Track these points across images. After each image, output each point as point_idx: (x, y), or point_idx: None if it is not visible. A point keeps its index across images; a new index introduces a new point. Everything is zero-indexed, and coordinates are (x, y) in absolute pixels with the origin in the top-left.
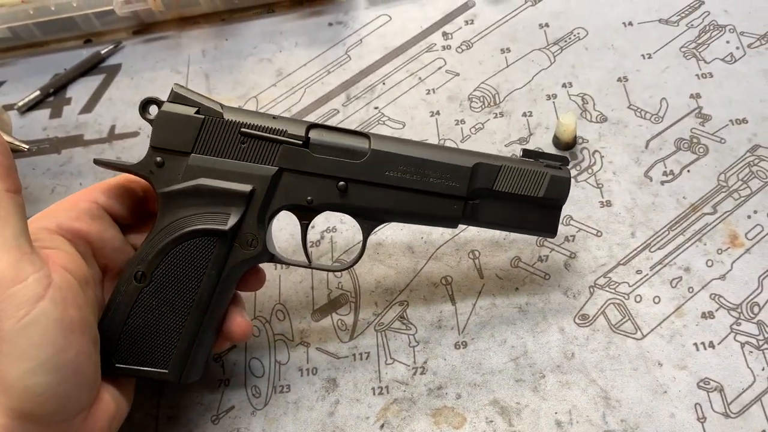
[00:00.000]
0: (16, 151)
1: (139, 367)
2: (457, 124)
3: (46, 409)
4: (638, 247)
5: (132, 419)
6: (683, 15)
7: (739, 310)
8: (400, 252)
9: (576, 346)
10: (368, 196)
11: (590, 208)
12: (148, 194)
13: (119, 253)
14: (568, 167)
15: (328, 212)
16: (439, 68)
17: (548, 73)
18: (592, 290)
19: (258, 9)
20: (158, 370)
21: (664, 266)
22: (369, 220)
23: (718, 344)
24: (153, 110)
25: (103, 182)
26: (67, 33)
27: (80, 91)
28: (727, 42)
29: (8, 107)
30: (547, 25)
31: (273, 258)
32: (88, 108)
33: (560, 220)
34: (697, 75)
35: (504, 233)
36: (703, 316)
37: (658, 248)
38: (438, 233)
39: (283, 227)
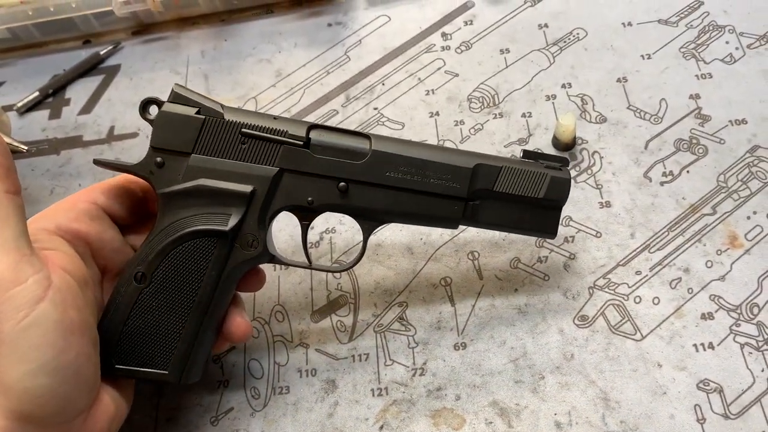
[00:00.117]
0: (15, 152)
1: (138, 368)
2: (456, 124)
3: (45, 411)
4: (638, 248)
5: (131, 420)
6: (683, 15)
7: (738, 311)
8: (399, 253)
9: (575, 347)
10: (369, 196)
11: (590, 209)
12: (147, 195)
13: (118, 254)
14: (568, 168)
15: (327, 213)
16: (439, 69)
17: (547, 73)
18: (591, 291)
19: (257, 10)
20: (158, 371)
21: (664, 267)
22: (369, 221)
23: (718, 345)
24: (153, 110)
25: (102, 183)
26: (66, 34)
27: (79, 92)
28: (727, 42)
29: (7, 108)
30: (546, 25)
31: (273, 258)
32: (87, 109)
33: (560, 221)
34: (696, 75)
35: (503, 234)
36: (703, 317)
37: (658, 249)
38: (437, 234)
39: (283, 228)
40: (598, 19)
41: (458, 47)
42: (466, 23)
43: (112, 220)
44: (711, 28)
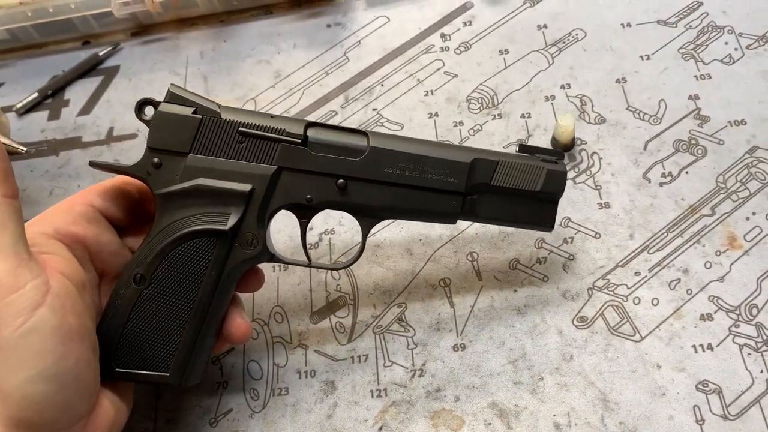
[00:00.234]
0: (14, 153)
1: (139, 371)
2: (455, 125)
3: (45, 418)
4: (637, 249)
5: (130, 422)
6: (682, 16)
7: (737, 312)
8: (398, 254)
9: (574, 348)
10: (367, 193)
11: (589, 210)
12: (144, 196)
13: (116, 257)
14: (564, 161)
15: (326, 214)
16: (438, 70)
17: (547, 74)
18: (590, 292)
19: (256, 10)
20: (159, 373)
21: (663, 268)
22: (368, 218)
23: (717, 346)
24: (149, 111)
25: (98, 184)
26: (65, 35)
27: (78, 93)
28: (726, 43)
29: (6, 109)
30: (545, 26)
31: (273, 257)
32: (86, 110)
33: (558, 219)
34: (695, 76)
35: (502, 235)
36: (702, 318)
37: (657, 250)
38: (436, 235)
39: (282, 229)
40: (597, 19)
41: (457, 48)
42: (465, 24)
43: (109, 222)
44: (710, 28)
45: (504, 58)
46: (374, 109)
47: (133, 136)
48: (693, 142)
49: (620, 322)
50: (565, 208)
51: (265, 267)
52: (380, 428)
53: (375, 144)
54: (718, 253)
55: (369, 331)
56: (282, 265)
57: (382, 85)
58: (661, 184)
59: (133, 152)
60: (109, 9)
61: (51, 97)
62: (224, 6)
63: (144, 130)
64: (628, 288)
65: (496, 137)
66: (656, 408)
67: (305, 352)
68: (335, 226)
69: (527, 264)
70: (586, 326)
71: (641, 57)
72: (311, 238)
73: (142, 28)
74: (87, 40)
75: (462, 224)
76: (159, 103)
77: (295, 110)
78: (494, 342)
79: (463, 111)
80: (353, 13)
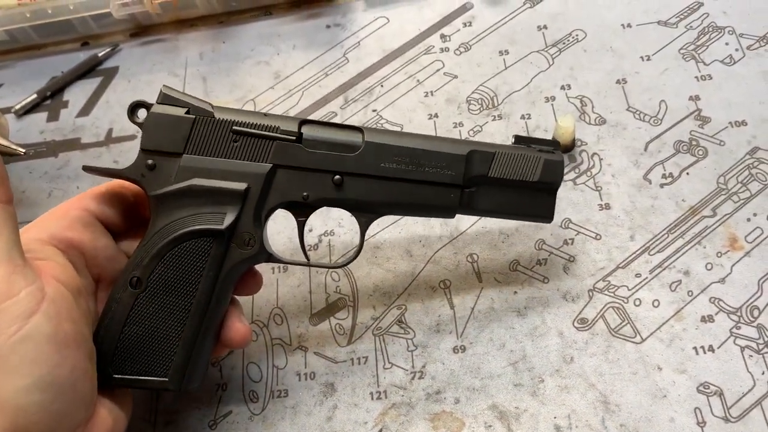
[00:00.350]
0: (12, 155)
1: (137, 377)
2: (455, 126)
3: (40, 428)
4: (637, 251)
5: (129, 424)
6: (682, 17)
7: (738, 314)
8: (398, 255)
9: (575, 350)
10: (364, 188)
11: (589, 211)
12: (140, 200)
13: (112, 262)
14: (560, 151)
15: (326, 215)
16: (438, 70)
17: (547, 75)
18: (591, 294)
19: (255, 11)
20: (158, 378)
21: (664, 269)
22: (366, 214)
23: (718, 348)
24: (142, 114)
25: (93, 189)
26: (64, 36)
27: (77, 94)
28: (726, 44)
29: (5, 110)
30: (545, 27)
31: (270, 257)
32: (85, 111)
33: (559, 220)
34: (696, 77)
35: (503, 236)
36: (703, 319)
37: (658, 251)
38: (436, 236)
39: (281, 230)
40: (598, 20)
41: (457, 49)
42: (465, 25)
43: (104, 227)
44: (711, 29)
45: (504, 59)
46: (374, 110)
47: (132, 137)
48: (694, 143)
49: (621, 323)
50: (565, 209)
51: (265, 268)
52: (380, 430)
53: (370, 139)
54: (719, 255)
55: (369, 333)
56: (281, 266)
57: (381, 86)
58: (661, 185)
59: (132, 153)
60: (108, 10)
61: (50, 98)
62: (223, 7)
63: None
64: (629, 289)
65: (496, 138)
66: (657, 410)
67: (305, 354)
68: (335, 228)
69: (527, 265)
70: (586, 328)
71: (641, 58)
72: (311, 239)
73: (141, 29)
74: (86, 41)
75: (462, 225)
76: (152, 105)
77: (295, 111)
78: (494, 344)
79: (463, 112)
80: (353, 14)
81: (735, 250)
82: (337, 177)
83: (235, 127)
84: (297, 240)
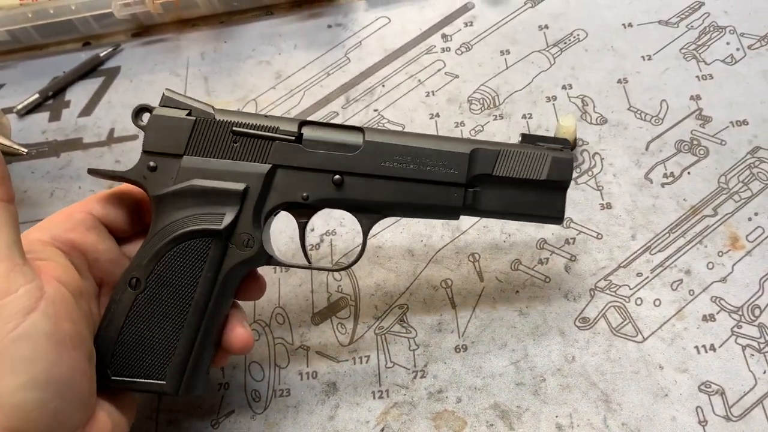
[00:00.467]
0: (15, 155)
1: (135, 379)
2: (456, 126)
3: (37, 427)
4: (639, 250)
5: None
6: (683, 16)
7: (740, 313)
8: (399, 255)
9: (576, 350)
10: (365, 188)
11: (590, 211)
12: (144, 204)
13: (115, 266)
14: (570, 150)
15: (327, 215)
16: (439, 70)
17: (548, 74)
18: (592, 293)
19: (257, 11)
20: (155, 381)
21: (665, 269)
22: (367, 215)
23: (719, 347)
24: (146, 117)
25: (98, 193)
26: (65, 36)
27: (79, 94)
28: (728, 43)
29: (7, 110)
30: (546, 26)
31: (271, 260)
32: (87, 111)
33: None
34: (697, 76)
35: (504, 235)
36: (704, 318)
37: (659, 251)
38: (438, 236)
39: (282, 230)
40: (599, 20)
41: (458, 48)
42: (466, 24)
43: (110, 231)
44: (711, 28)
45: (505, 59)
46: (375, 110)
47: (134, 137)
48: (695, 142)
49: (622, 323)
50: (567, 209)
51: (266, 268)
52: (382, 429)
53: (371, 138)
54: (720, 254)
55: (370, 332)
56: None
57: (383, 85)
58: (663, 185)
59: (133, 153)
60: (110, 10)
61: (52, 98)
62: (225, 7)
63: None
64: (630, 289)
65: (498, 138)
66: (659, 409)
67: (307, 353)
68: (336, 227)
69: (529, 265)
70: (588, 327)
71: (643, 57)
72: (312, 239)
73: (143, 29)
74: (88, 41)
75: (463, 225)
76: (155, 108)
77: (296, 111)
78: (496, 343)
79: (465, 112)
80: (354, 13)
81: (736, 249)
82: (337, 177)
83: (234, 128)
84: (298, 239)
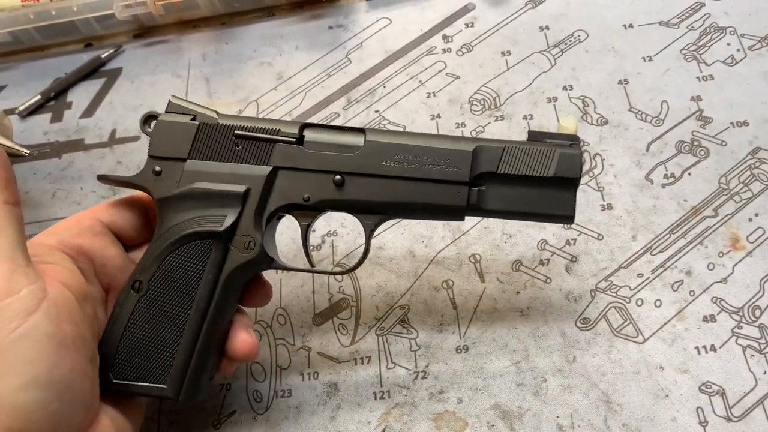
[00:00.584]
0: (16, 156)
1: (135, 383)
2: (457, 127)
3: (38, 428)
4: (639, 251)
5: None
6: (683, 17)
7: (740, 314)
8: (401, 256)
9: (577, 350)
10: (366, 188)
11: (591, 212)
12: (152, 211)
13: (122, 272)
14: (580, 145)
15: (328, 215)
16: (440, 71)
17: (549, 75)
18: (593, 294)
19: (258, 12)
20: (156, 385)
21: (666, 269)
22: (369, 216)
23: (720, 348)
24: (154, 125)
25: (107, 201)
26: (67, 37)
27: (81, 95)
28: (728, 44)
29: (9, 112)
30: (547, 27)
31: (273, 263)
32: (88, 112)
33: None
34: (697, 77)
35: (505, 236)
36: (705, 319)
37: (660, 251)
38: (439, 237)
39: (283, 231)
40: (599, 21)
41: (459, 49)
42: (467, 25)
43: (118, 238)
44: (712, 29)
45: (506, 60)
46: (376, 111)
47: (135, 138)
48: (695, 143)
49: (623, 323)
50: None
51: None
52: (383, 430)
53: (371, 138)
54: (720, 255)
55: (372, 333)
56: None
57: (384, 86)
58: (663, 186)
59: (135, 155)
60: (112, 11)
61: (53, 99)
62: (226, 8)
63: None
64: (631, 289)
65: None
66: (659, 410)
67: (308, 354)
68: (338, 228)
69: (530, 266)
70: (589, 328)
71: (643, 58)
72: (314, 240)
73: (145, 30)
74: (89, 42)
75: (464, 226)
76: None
77: (298, 112)
78: (497, 344)
79: (466, 112)
80: (355, 14)
81: (737, 250)
82: (338, 177)
83: (237, 132)
84: (300, 241)
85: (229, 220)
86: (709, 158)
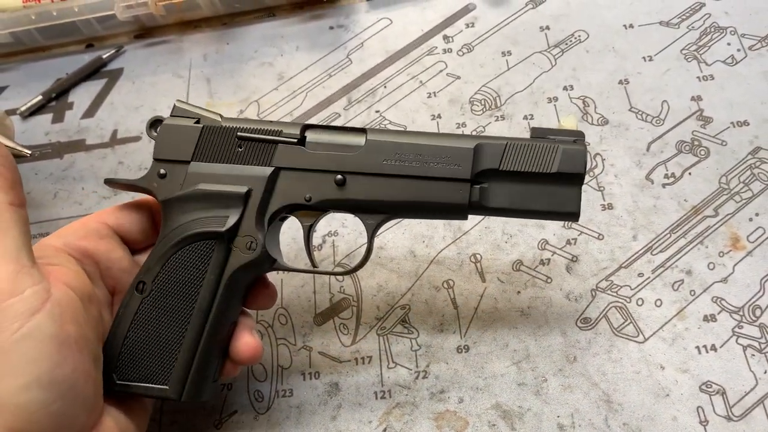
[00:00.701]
0: (18, 157)
1: (138, 384)
2: (458, 127)
3: (40, 428)
4: (640, 250)
5: None
6: (684, 17)
7: (741, 313)
8: (401, 256)
9: (578, 350)
10: (367, 187)
11: (592, 211)
12: (159, 215)
13: (128, 275)
14: (584, 141)
15: (329, 215)
16: (440, 71)
17: (549, 75)
18: (593, 293)
19: (259, 13)
20: (158, 386)
21: (666, 269)
22: (371, 216)
23: (720, 347)
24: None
25: (115, 205)
26: (68, 38)
27: (82, 96)
28: (728, 44)
29: (10, 112)
30: (547, 27)
31: (275, 263)
32: (90, 112)
33: (562, 221)
34: (698, 77)
35: (506, 236)
36: (705, 319)
37: (660, 251)
38: (439, 237)
39: (285, 231)
40: (600, 21)
41: (460, 50)
42: (467, 26)
43: (124, 241)
44: (712, 29)
45: (506, 60)
46: (377, 111)
47: (136, 138)
48: (696, 143)
49: (624, 323)
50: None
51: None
52: (384, 430)
53: (372, 137)
54: (721, 254)
55: (373, 332)
56: None
57: (385, 87)
58: (664, 185)
59: (136, 155)
60: (113, 12)
61: (55, 99)
62: (227, 8)
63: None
64: (632, 289)
65: None
66: (660, 409)
67: (309, 353)
68: (338, 228)
69: (530, 265)
70: (589, 327)
71: (644, 58)
72: (314, 240)
73: (146, 31)
74: (90, 42)
75: (465, 226)
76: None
77: (299, 112)
78: (498, 343)
79: (466, 113)
80: (356, 15)
81: (737, 249)
82: (339, 177)
83: (239, 134)
84: (301, 241)
85: (231, 221)
86: (709, 158)
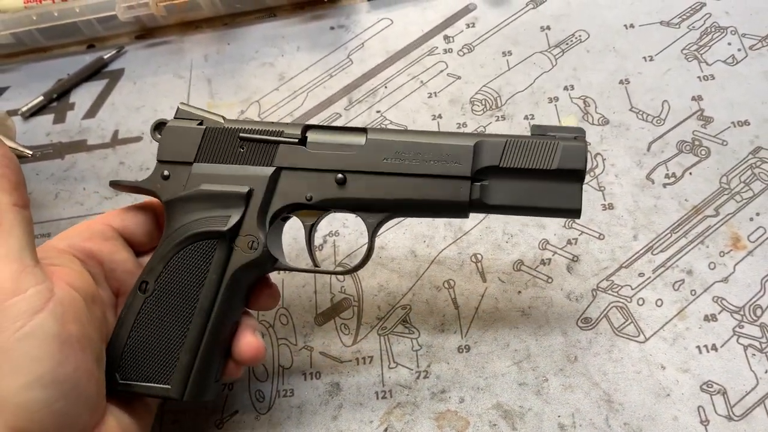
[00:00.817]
0: (20, 157)
1: (140, 383)
2: (459, 127)
3: (42, 427)
4: (640, 250)
5: None
6: (684, 17)
7: (741, 313)
8: (402, 256)
9: (579, 350)
10: (368, 186)
11: (592, 211)
12: (162, 218)
13: (132, 276)
14: (585, 138)
15: (330, 215)
16: (441, 71)
17: (550, 75)
18: (594, 293)
19: (260, 13)
20: (160, 386)
21: (667, 269)
22: (372, 215)
23: (721, 347)
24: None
25: (119, 208)
26: (70, 38)
27: (83, 96)
28: (729, 44)
29: (12, 113)
30: (548, 27)
31: (277, 263)
32: (91, 113)
33: (563, 220)
34: (698, 77)
35: (506, 236)
36: (706, 318)
37: (661, 251)
38: (440, 237)
39: (286, 231)
40: (600, 21)
41: (460, 50)
42: (468, 26)
43: (129, 243)
44: (713, 29)
45: (507, 60)
46: (378, 111)
47: (137, 139)
48: (696, 143)
49: (624, 323)
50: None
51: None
52: (385, 429)
53: (373, 137)
54: (722, 254)
55: (374, 332)
56: None
57: (385, 87)
58: (664, 185)
59: (138, 155)
60: (114, 12)
61: (56, 100)
62: (228, 9)
63: (149, 133)
64: (632, 289)
65: None
66: (661, 409)
67: (310, 353)
68: (339, 228)
69: (531, 265)
70: (590, 327)
71: (644, 58)
72: (315, 240)
73: (147, 32)
74: (92, 43)
75: (466, 226)
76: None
77: (299, 113)
78: (499, 343)
79: (467, 113)
80: (356, 15)
81: (738, 249)
82: (340, 176)
83: (241, 134)
84: (302, 240)
85: (232, 220)
86: (710, 158)
